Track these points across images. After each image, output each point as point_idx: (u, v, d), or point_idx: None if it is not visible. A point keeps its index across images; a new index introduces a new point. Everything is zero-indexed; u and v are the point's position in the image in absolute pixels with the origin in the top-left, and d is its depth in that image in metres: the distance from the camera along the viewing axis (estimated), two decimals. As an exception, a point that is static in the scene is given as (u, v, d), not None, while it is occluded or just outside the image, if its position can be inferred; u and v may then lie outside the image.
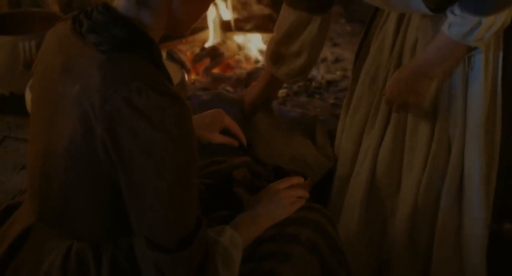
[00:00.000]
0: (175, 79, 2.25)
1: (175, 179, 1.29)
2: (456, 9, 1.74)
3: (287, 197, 1.58)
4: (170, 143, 1.27)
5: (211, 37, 3.25)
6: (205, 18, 3.20)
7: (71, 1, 3.38)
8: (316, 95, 2.89)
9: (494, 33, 1.76)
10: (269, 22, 3.36)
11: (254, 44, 3.26)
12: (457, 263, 1.98)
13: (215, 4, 3.21)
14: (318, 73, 3.06)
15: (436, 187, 1.96)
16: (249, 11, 3.40)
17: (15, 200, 1.59)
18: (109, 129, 1.27)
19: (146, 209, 1.30)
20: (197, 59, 3.08)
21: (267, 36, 3.30)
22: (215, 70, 3.04)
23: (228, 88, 2.89)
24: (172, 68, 2.21)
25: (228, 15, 3.32)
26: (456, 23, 1.75)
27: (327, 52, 3.25)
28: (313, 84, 2.98)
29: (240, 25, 3.32)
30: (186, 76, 2.55)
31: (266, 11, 3.45)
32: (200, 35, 3.29)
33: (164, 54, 2.98)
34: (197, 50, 3.18)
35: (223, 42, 3.24)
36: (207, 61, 3.07)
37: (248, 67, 3.10)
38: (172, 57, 3.02)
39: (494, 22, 1.73)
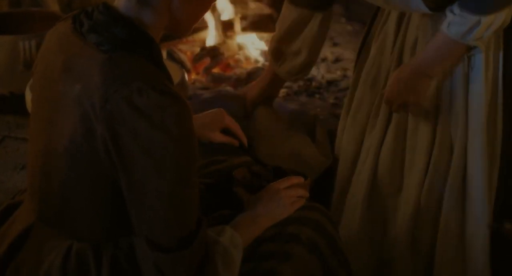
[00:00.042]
0: (175, 78, 2.25)
1: (175, 179, 1.29)
2: (456, 8, 1.74)
3: (287, 197, 1.58)
4: (170, 142, 1.27)
5: (211, 37, 3.25)
6: (206, 18, 3.20)
7: (71, 1, 3.38)
8: (316, 95, 2.89)
9: (493, 32, 1.76)
10: (269, 22, 3.36)
11: (254, 44, 3.25)
12: (460, 263, 1.97)
13: (216, 4, 3.21)
14: (318, 73, 3.06)
15: (439, 187, 1.96)
16: (249, 11, 3.40)
17: (15, 199, 1.59)
18: (110, 129, 1.27)
19: (146, 209, 1.30)
20: (197, 58, 3.08)
21: (268, 36, 3.30)
22: (215, 70, 3.04)
23: (228, 88, 2.89)
24: (172, 68, 2.21)
25: (228, 15, 3.32)
26: (455, 22, 1.75)
27: (327, 51, 3.25)
28: (313, 83, 2.98)
29: (240, 25, 3.32)
30: (186, 75, 2.55)
31: (267, 10, 3.45)
32: (200, 35, 3.29)
33: (164, 54, 2.98)
34: (197, 49, 3.17)
35: (223, 41, 3.24)
36: (207, 61, 3.07)
37: (248, 67, 3.10)
38: (172, 56, 3.03)
39: (494, 21, 1.72)
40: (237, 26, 3.31)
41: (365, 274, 2.09)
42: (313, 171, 2.23)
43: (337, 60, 3.22)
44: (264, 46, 3.22)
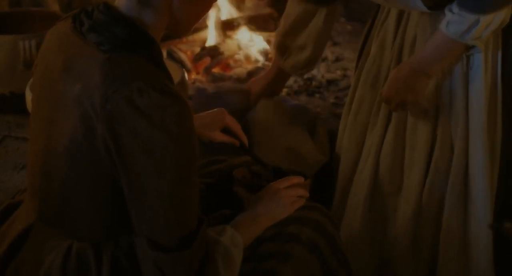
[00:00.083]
0: (176, 78, 2.24)
1: (175, 178, 1.29)
2: (455, 7, 1.74)
3: (287, 197, 1.58)
4: (170, 142, 1.27)
5: (211, 37, 3.25)
6: (206, 18, 3.20)
7: (72, 0, 3.38)
8: (316, 94, 2.89)
9: (492, 32, 1.76)
10: (269, 22, 3.36)
11: (254, 44, 3.25)
12: (463, 263, 1.97)
13: (216, 4, 3.21)
14: (318, 72, 3.06)
15: (440, 186, 1.96)
16: (249, 11, 3.40)
17: (15, 199, 1.59)
18: (110, 129, 1.27)
19: (147, 209, 1.30)
20: (197, 58, 3.08)
21: (268, 35, 3.30)
22: (215, 70, 3.04)
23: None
24: (172, 68, 2.21)
25: (228, 14, 3.32)
26: (454, 21, 1.75)
27: (327, 51, 3.24)
28: (313, 83, 2.98)
29: (240, 25, 3.32)
30: (186, 75, 2.54)
31: (267, 10, 3.45)
32: (200, 35, 3.29)
33: (164, 53, 2.97)
34: (197, 49, 3.17)
35: (223, 41, 3.24)
36: (207, 61, 3.07)
37: (248, 66, 3.10)
38: (172, 56, 3.03)
39: (492, 20, 1.72)
40: (237, 25, 3.31)
41: (366, 274, 2.09)
42: (308, 168, 2.22)
43: (337, 59, 3.22)
44: (264, 46, 3.22)
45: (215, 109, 1.77)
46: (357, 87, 2.13)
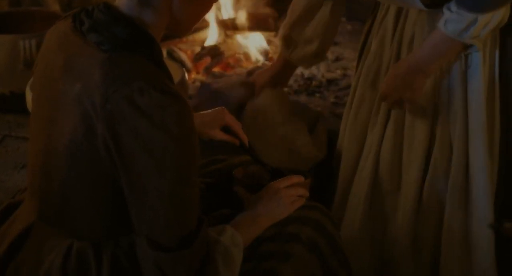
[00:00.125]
0: (176, 78, 2.25)
1: (176, 178, 1.29)
2: (453, 5, 1.74)
3: (287, 196, 1.58)
4: (170, 142, 1.27)
5: (212, 36, 3.25)
6: (206, 17, 3.20)
7: (72, 0, 3.38)
8: (316, 94, 2.89)
9: (490, 31, 1.76)
10: (270, 21, 3.36)
11: (254, 43, 3.25)
12: (466, 264, 1.96)
13: (216, 3, 3.21)
14: (318, 72, 3.06)
15: (440, 186, 1.96)
16: (249, 10, 3.40)
17: (15, 199, 1.59)
18: (110, 128, 1.27)
19: (147, 209, 1.30)
20: (197, 58, 3.09)
21: (268, 35, 3.31)
22: (216, 69, 3.04)
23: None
24: (172, 67, 2.21)
25: (228, 14, 3.32)
26: (452, 19, 1.75)
27: (327, 51, 3.24)
28: (313, 83, 2.98)
29: (240, 24, 3.32)
30: (186, 75, 2.55)
31: (267, 10, 3.45)
32: (201, 34, 3.29)
33: (164, 53, 2.98)
34: (197, 49, 3.18)
35: (224, 41, 3.24)
36: (207, 60, 3.07)
37: (249, 66, 3.10)
38: (172, 56, 3.03)
39: (491, 20, 1.73)
40: (237, 25, 3.31)
41: (366, 274, 2.09)
42: (302, 161, 2.21)
43: (337, 59, 3.22)
44: (264, 45, 3.22)
45: (216, 108, 1.77)
46: (357, 85, 2.13)
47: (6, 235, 1.47)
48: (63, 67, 1.36)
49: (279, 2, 3.40)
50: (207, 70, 3.01)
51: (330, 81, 3.00)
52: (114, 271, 1.36)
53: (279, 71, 2.36)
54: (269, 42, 3.27)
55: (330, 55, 3.23)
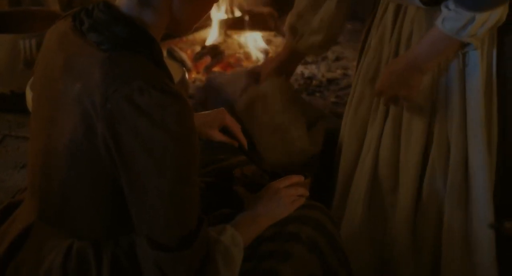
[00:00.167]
0: (176, 77, 2.25)
1: (175, 178, 1.29)
2: (451, 3, 1.74)
3: (287, 196, 1.58)
4: (170, 141, 1.27)
5: (212, 36, 3.25)
6: (206, 17, 3.20)
7: (72, 0, 3.38)
8: (316, 94, 2.90)
9: (488, 29, 1.76)
10: (270, 21, 3.36)
11: (254, 43, 3.26)
12: (467, 263, 1.96)
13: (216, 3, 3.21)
14: (319, 72, 3.06)
15: (438, 184, 1.96)
16: (249, 10, 3.40)
17: (15, 198, 1.59)
18: (110, 128, 1.27)
19: (147, 208, 1.30)
20: (197, 57, 3.09)
21: (268, 34, 3.31)
22: (216, 69, 3.04)
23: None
24: (172, 67, 2.21)
25: (228, 13, 3.32)
26: (450, 17, 1.75)
27: (327, 50, 3.24)
28: (314, 82, 2.99)
29: (240, 23, 3.32)
30: (186, 74, 2.55)
31: (267, 9, 3.45)
32: (201, 34, 3.29)
33: (164, 53, 2.98)
34: (197, 48, 3.18)
35: (224, 40, 3.25)
36: (207, 60, 3.07)
37: (249, 65, 3.10)
38: (172, 55, 3.03)
39: (488, 18, 1.73)
40: (237, 24, 3.31)
41: (366, 273, 2.09)
42: (294, 155, 2.20)
43: (337, 58, 3.22)
44: (264, 45, 3.23)
45: (216, 109, 1.77)
46: (357, 82, 2.13)
47: (6, 234, 1.47)
48: (63, 67, 1.36)
49: (279, 1, 3.41)
50: (207, 70, 3.01)
51: (330, 81, 3.00)
52: (114, 270, 1.36)
53: (285, 60, 2.32)
54: (269, 41, 3.27)
55: (330, 54, 3.23)
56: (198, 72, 3.05)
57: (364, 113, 2.09)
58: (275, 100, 2.25)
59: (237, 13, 3.34)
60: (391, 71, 1.89)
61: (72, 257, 1.37)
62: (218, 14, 3.26)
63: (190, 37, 3.26)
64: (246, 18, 3.34)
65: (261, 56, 3.16)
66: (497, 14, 1.72)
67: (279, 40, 3.30)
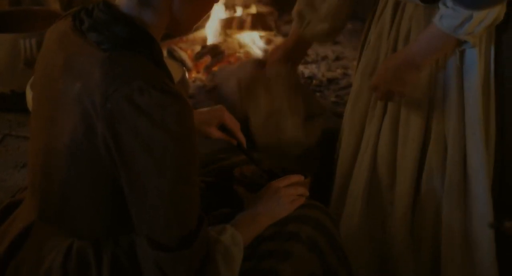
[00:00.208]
0: (176, 77, 2.25)
1: (175, 177, 1.29)
2: (449, 1, 1.74)
3: (287, 196, 1.58)
4: (170, 141, 1.27)
5: (212, 35, 3.25)
6: (206, 16, 3.20)
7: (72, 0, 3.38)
8: (316, 93, 2.89)
9: (485, 28, 1.76)
10: (270, 20, 3.36)
11: (255, 42, 3.26)
12: (467, 263, 1.96)
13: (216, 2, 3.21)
14: (319, 71, 3.06)
15: (436, 183, 1.96)
16: (250, 9, 3.40)
17: (15, 198, 1.59)
18: (110, 127, 1.27)
19: (147, 208, 1.30)
20: (197, 57, 3.09)
21: (268, 34, 3.31)
22: (216, 68, 3.04)
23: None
24: (172, 66, 2.21)
25: (229, 13, 3.32)
26: (447, 15, 1.75)
27: (327, 50, 3.25)
28: (314, 82, 2.98)
29: (240, 23, 3.32)
30: (187, 74, 2.54)
31: (267, 9, 3.45)
32: (201, 33, 3.29)
33: (164, 52, 2.98)
34: (197, 48, 3.18)
35: (224, 40, 3.24)
36: (207, 59, 3.07)
37: (249, 65, 3.10)
38: (172, 55, 3.03)
39: (486, 16, 1.73)
40: (238, 24, 3.31)
41: (366, 272, 2.09)
42: (286, 144, 2.19)
43: (337, 58, 3.22)
44: (264, 44, 3.23)
45: (215, 106, 1.77)
46: (356, 79, 2.13)
47: (7, 234, 1.47)
48: (63, 66, 1.36)
49: (279, 1, 3.40)
50: (208, 69, 3.01)
51: (330, 80, 3.00)
52: (114, 270, 1.36)
53: (292, 47, 2.30)
54: (269, 41, 3.27)
55: (330, 54, 3.23)
56: (198, 72, 3.05)
57: (362, 110, 2.10)
58: (277, 86, 2.24)
59: (237, 13, 3.34)
60: (388, 67, 1.90)
61: (72, 257, 1.37)
62: (218, 13, 3.25)
63: (190, 36, 3.26)
64: (246, 18, 3.34)
65: (261, 56, 3.16)
66: (495, 13, 1.72)
67: (279, 40, 3.30)
